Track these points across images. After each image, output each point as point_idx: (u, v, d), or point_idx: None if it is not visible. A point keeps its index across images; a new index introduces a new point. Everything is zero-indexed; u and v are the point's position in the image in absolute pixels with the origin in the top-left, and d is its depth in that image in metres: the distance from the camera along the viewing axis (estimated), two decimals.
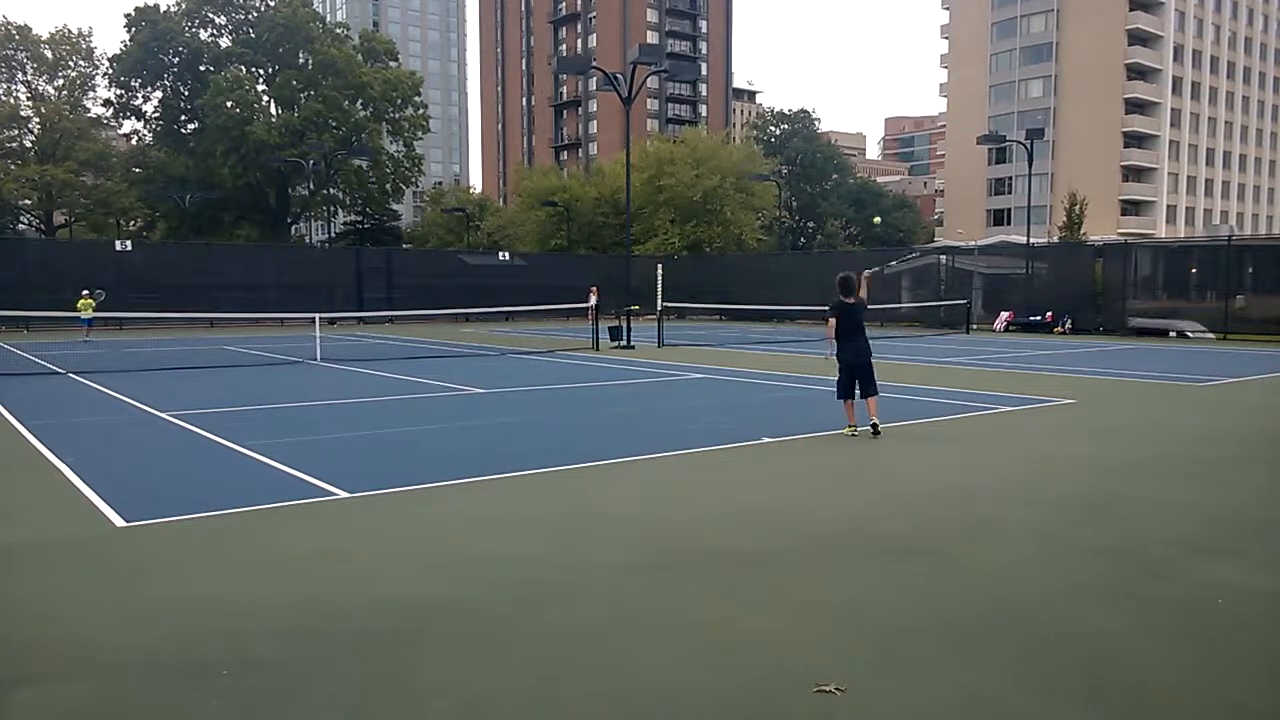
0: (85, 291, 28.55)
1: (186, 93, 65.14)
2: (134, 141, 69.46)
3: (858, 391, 10.29)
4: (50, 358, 21.27)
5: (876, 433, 10.06)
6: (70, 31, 64.63)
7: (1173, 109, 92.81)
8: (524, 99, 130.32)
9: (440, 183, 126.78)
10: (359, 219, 77.78)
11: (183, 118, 66.14)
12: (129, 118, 66.95)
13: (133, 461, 9.01)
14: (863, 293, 10.67)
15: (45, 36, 63.74)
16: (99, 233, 64.59)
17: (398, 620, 4.64)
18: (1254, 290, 30.27)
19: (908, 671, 4.02)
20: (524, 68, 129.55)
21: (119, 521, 6.50)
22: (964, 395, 14.14)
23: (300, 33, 65.09)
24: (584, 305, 36.51)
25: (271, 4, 65.79)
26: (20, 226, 66.32)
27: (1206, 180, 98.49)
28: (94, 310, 28.05)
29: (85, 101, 66.12)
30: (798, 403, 13.79)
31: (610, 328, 25.45)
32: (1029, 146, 40.56)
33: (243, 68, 64.96)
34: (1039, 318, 32.67)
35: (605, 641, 4.40)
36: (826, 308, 10.52)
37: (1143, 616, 4.71)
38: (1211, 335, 28.73)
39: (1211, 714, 3.67)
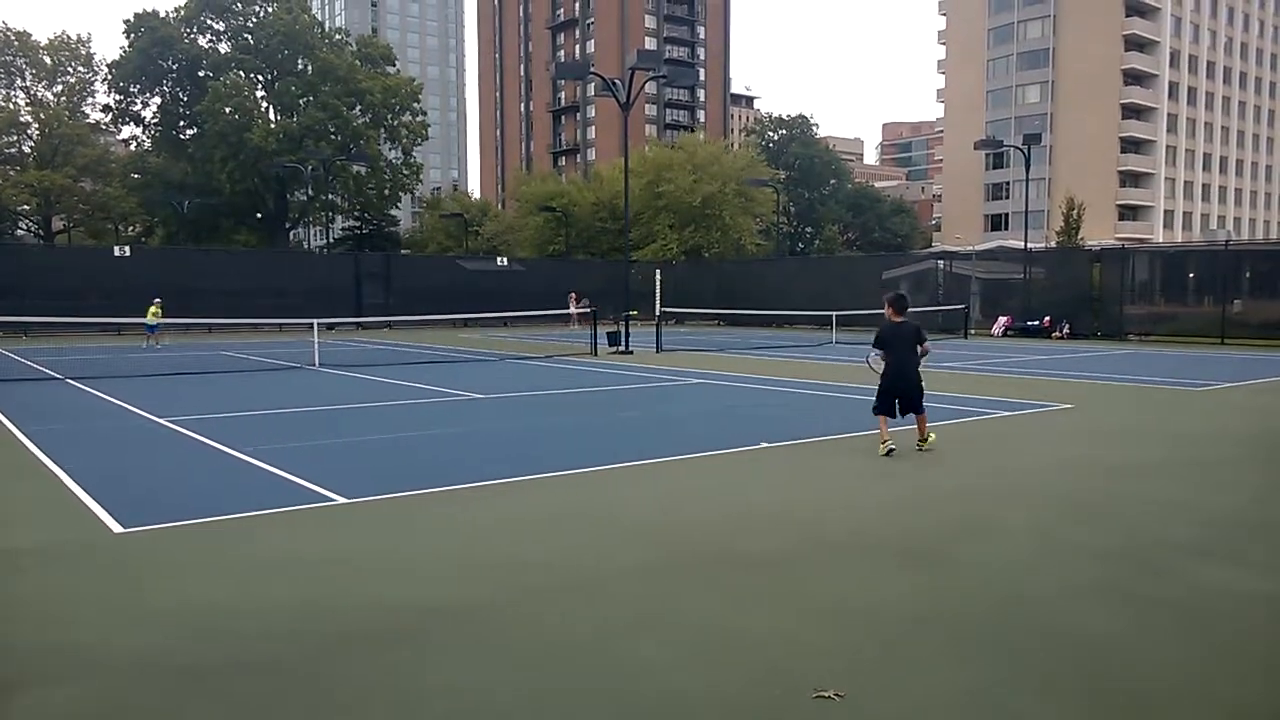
0: (158, 300, 27.98)
1: (185, 99, 65.23)
2: (133, 147, 69.54)
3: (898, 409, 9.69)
4: (49, 363, 21.25)
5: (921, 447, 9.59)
6: (69, 38, 64.77)
7: (1169, 114, 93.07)
8: (522, 104, 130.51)
9: (439, 188, 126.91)
10: (357, 224, 77.83)
11: (181, 123, 66.21)
12: (128, 123, 67.07)
13: (131, 467, 8.99)
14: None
15: (45, 43, 63.90)
16: (97, 238, 64.69)
17: (396, 624, 4.64)
18: (1251, 295, 30.32)
19: (908, 675, 4.02)
20: (522, 73, 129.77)
21: (116, 527, 6.49)
22: (963, 400, 14.14)
23: (299, 39, 65.20)
24: (565, 311, 36.70)
25: (271, 10, 65.87)
26: (19, 232, 66.36)
27: (1204, 185, 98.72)
28: (161, 317, 27.41)
29: (84, 107, 66.34)
30: (796, 408, 13.80)
31: (609, 333, 25.43)
32: (1026, 152, 40.67)
33: (242, 74, 65.02)
34: (1037, 322, 32.70)
35: (605, 645, 4.40)
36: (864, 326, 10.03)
37: (1143, 619, 4.71)
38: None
39: (1212, 717, 3.67)
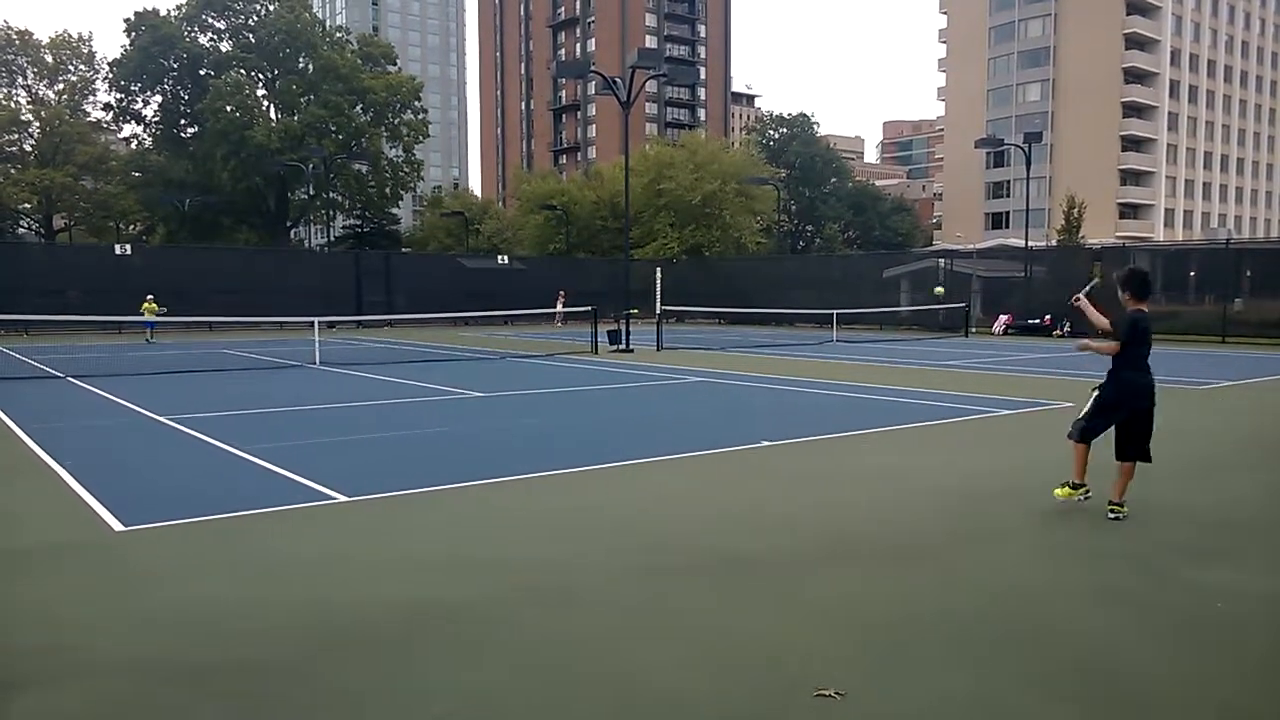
0: (150, 296, 29.33)
1: (186, 97, 65.15)
2: (134, 145, 69.47)
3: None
4: (50, 361, 21.26)
5: (1115, 515, 6.67)
6: (71, 36, 64.72)
7: (1170, 113, 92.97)
8: (523, 103, 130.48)
9: (440, 187, 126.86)
10: (358, 223, 77.81)
11: (182, 122, 66.14)
12: (129, 122, 67.01)
13: (131, 466, 9.00)
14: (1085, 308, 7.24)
15: (46, 41, 63.85)
16: (98, 236, 64.63)
17: (397, 624, 4.64)
18: (1252, 294, 30.30)
19: (908, 676, 4.03)
20: (523, 72, 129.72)
21: (117, 526, 6.50)
22: (963, 399, 14.14)
23: (301, 38, 65.13)
24: (559, 310, 36.89)
25: (272, 9, 65.82)
26: (20, 230, 66.35)
27: (1204, 184, 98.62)
28: (156, 314, 28.79)
29: (85, 105, 66.20)
30: (797, 407, 13.80)
31: (609, 331, 25.42)
32: (1027, 150, 40.62)
33: (243, 72, 64.97)
34: (1038, 321, 32.69)
35: (604, 646, 4.41)
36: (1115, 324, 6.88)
37: (1142, 620, 4.72)
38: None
39: (1210, 719, 3.67)
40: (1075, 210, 59.51)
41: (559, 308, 37.42)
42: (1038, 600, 5.02)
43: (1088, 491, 6.88)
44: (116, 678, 4.02)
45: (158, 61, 63.24)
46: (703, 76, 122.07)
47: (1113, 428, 6.79)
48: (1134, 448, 6.71)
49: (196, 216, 62.09)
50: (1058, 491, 6.97)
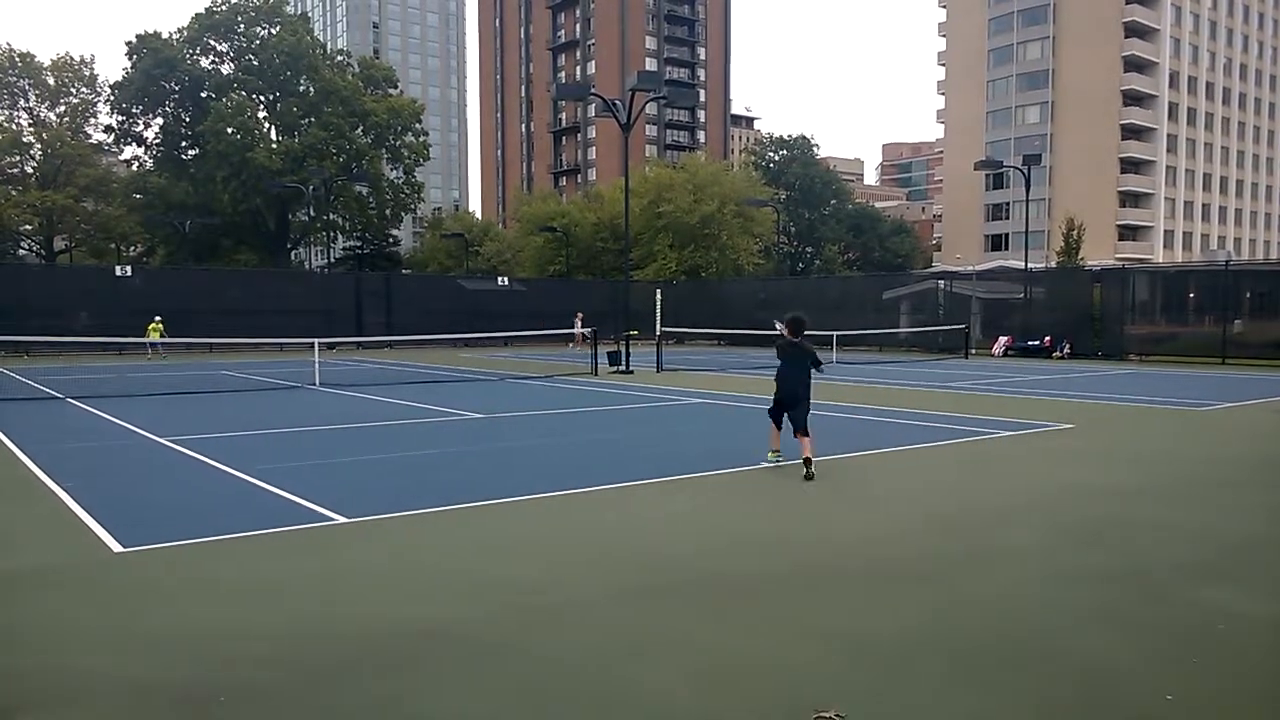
0: (157, 318, 31.75)
1: (188, 119, 65.49)
2: (135, 167, 69.76)
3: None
4: (50, 382, 21.25)
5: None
6: (72, 59, 65.14)
7: (1169, 135, 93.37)
8: (523, 125, 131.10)
9: (440, 208, 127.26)
10: (358, 244, 78.01)
11: (184, 144, 66.45)
12: (130, 144, 67.31)
13: (131, 487, 8.98)
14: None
15: (48, 63, 64.21)
16: (99, 258, 64.82)
17: (396, 646, 4.62)
18: (1252, 315, 30.33)
19: (909, 698, 4.01)
20: (523, 94, 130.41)
21: (117, 547, 6.48)
22: (963, 420, 14.13)
23: (303, 60, 65.54)
24: (570, 331, 36.96)
25: (274, 32, 66.25)
26: (21, 252, 66.51)
27: (1204, 205, 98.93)
28: (161, 334, 31.03)
29: (87, 128, 66.53)
30: None
31: (609, 353, 25.44)
32: (1026, 172, 40.79)
33: (244, 94, 65.31)
34: (1038, 342, 32.72)
35: (603, 668, 4.39)
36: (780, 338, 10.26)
37: (1143, 642, 4.70)
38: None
39: None
40: (1075, 232, 59.71)
41: (578, 328, 37.14)
42: (1038, 621, 5.00)
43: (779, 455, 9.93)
44: (116, 700, 4.00)
45: (159, 84, 63.61)
46: (702, 99, 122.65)
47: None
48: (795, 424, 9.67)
49: (197, 238, 62.27)
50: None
